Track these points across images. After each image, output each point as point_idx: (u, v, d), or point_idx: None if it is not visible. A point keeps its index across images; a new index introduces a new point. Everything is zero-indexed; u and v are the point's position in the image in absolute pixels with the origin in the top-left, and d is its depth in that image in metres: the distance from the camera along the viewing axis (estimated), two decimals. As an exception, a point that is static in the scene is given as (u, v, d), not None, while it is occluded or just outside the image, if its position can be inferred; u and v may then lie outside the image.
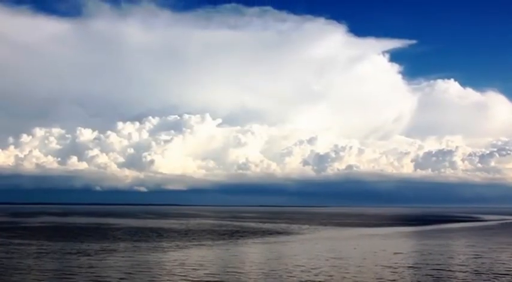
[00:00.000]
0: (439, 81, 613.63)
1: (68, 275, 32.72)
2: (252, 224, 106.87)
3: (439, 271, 35.45)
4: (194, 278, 32.19)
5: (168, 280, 31.47)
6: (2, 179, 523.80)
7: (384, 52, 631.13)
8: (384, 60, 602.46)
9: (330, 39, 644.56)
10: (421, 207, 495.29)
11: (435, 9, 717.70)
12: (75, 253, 45.15)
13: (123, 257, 42.78)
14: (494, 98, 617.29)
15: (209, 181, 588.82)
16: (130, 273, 33.76)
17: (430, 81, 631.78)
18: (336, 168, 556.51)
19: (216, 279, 31.70)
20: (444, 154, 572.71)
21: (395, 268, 36.82)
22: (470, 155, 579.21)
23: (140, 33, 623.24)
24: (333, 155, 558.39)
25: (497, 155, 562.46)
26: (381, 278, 32.54)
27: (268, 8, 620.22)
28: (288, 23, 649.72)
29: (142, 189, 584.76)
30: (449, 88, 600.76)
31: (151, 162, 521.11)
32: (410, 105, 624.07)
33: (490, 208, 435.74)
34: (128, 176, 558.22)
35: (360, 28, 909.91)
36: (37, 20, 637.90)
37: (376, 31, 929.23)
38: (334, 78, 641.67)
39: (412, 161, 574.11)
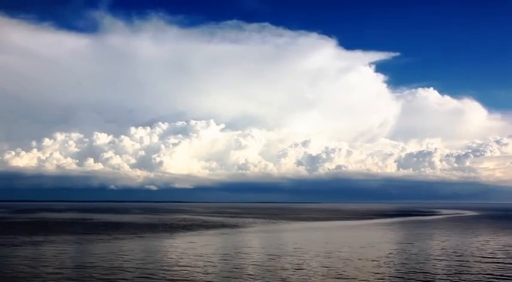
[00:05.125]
0: (420, 89, 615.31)
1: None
2: (219, 219, 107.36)
3: (330, 257, 36.03)
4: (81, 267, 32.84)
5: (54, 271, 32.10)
6: (25, 179, 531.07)
7: (370, 63, 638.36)
8: (370, 71, 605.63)
9: (321, 52, 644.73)
10: (400, 204, 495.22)
11: (417, 25, 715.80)
12: (9, 245, 45.85)
13: (52, 248, 43.48)
14: (469, 105, 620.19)
15: (212, 180, 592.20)
16: (31, 265, 34.41)
17: (411, 90, 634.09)
18: (326, 168, 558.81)
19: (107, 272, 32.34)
20: (424, 155, 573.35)
21: (299, 255, 37.39)
22: (447, 155, 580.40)
23: (151, 47, 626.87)
24: (324, 156, 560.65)
25: (472, 156, 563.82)
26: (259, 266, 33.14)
27: (266, 24, 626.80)
28: (284, 38, 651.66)
29: (153, 187, 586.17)
30: (429, 96, 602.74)
31: (161, 163, 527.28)
32: (394, 111, 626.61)
33: (462, 204, 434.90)
34: (140, 176, 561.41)
35: (348, 42, 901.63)
36: (58, 35, 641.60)
37: (364, 44, 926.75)
38: (325, 87, 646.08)
39: (395, 162, 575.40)
